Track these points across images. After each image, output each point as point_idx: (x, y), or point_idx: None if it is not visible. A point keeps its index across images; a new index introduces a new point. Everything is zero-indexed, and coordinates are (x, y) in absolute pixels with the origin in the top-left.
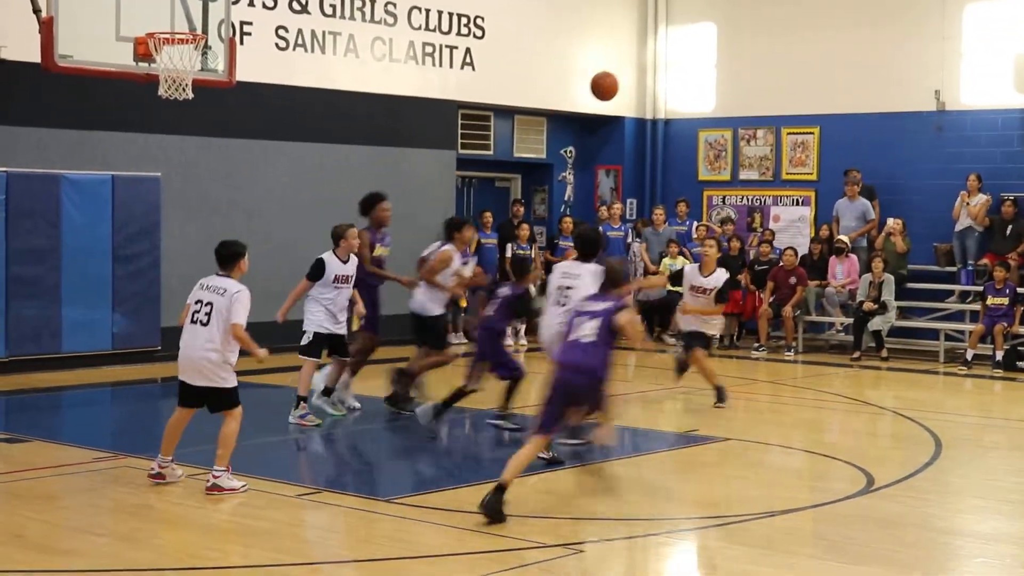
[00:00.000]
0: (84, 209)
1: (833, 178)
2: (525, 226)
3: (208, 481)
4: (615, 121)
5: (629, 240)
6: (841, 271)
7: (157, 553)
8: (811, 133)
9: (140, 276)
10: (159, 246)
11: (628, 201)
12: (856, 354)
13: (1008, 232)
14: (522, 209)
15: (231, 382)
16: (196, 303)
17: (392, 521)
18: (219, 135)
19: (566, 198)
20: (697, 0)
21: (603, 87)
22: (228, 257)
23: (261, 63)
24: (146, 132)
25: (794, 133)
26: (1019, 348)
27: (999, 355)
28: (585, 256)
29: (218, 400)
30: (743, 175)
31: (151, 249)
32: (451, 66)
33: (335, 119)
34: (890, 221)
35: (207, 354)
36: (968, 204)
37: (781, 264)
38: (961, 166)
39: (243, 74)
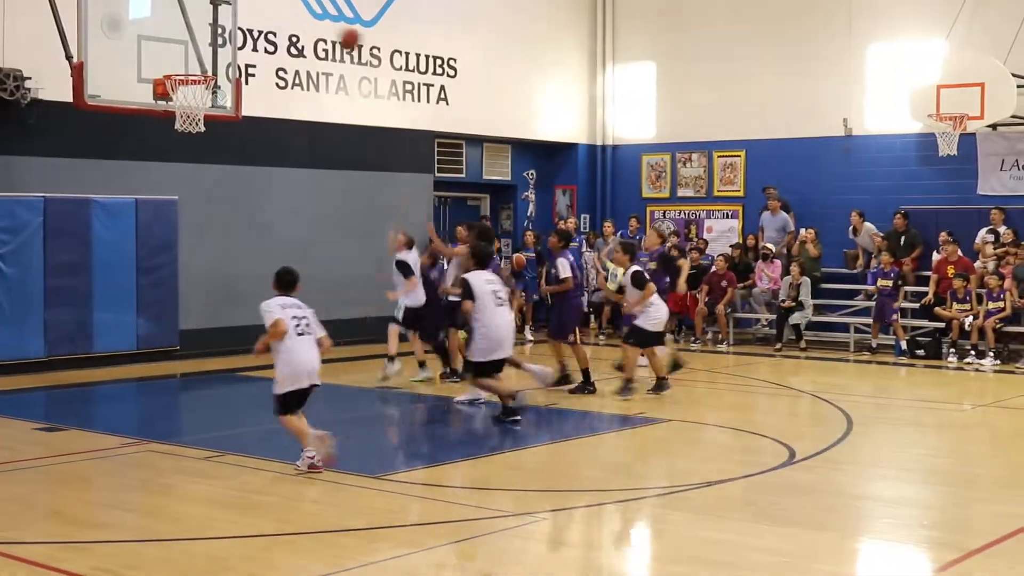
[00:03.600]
0: (112, 228)
1: (758, 194)
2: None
3: None
4: (570, 147)
5: (583, 250)
6: (767, 271)
7: (177, 525)
8: (738, 156)
9: (161, 285)
10: (177, 260)
11: (582, 216)
12: (778, 345)
13: (902, 241)
14: (489, 223)
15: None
16: (293, 318)
17: (382, 496)
18: (228, 163)
19: (528, 214)
20: (639, 42)
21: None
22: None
23: (264, 100)
24: (165, 161)
25: (724, 156)
26: (918, 339)
27: (903, 344)
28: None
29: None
30: (680, 192)
31: (170, 262)
32: (428, 101)
33: (328, 148)
34: (802, 231)
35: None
36: (859, 245)
37: (714, 270)
38: (866, 183)
39: (248, 110)
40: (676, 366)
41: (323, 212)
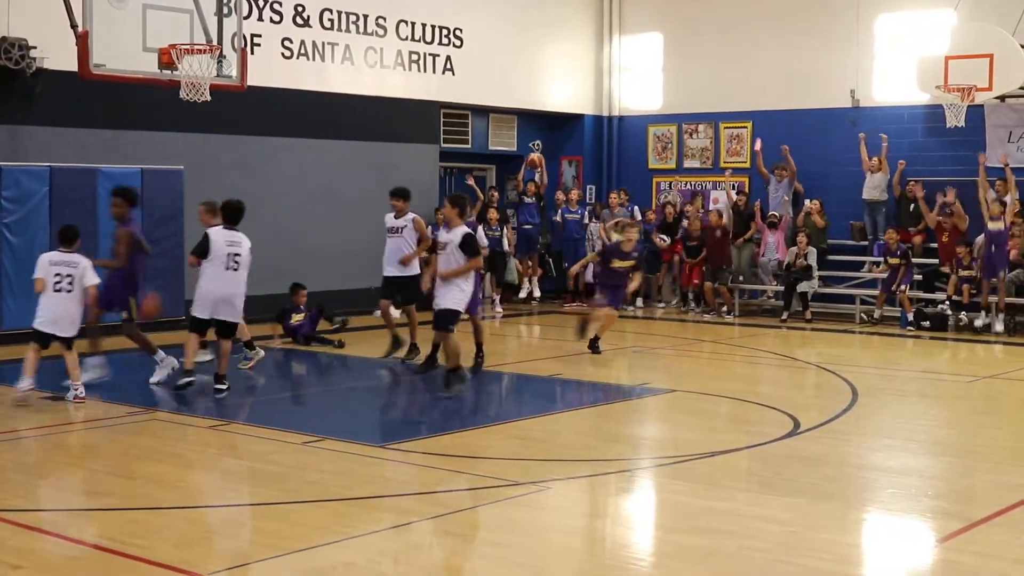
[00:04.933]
0: None
1: (764, 165)
2: (493, 211)
3: None
4: (576, 118)
5: (586, 221)
6: (773, 240)
7: (182, 493)
8: (744, 127)
9: (166, 255)
10: (183, 230)
11: (588, 187)
12: (785, 316)
13: (912, 209)
14: (496, 194)
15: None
16: (56, 276)
17: (387, 465)
18: (234, 132)
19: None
20: (646, 13)
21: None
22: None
23: (269, 70)
24: (171, 131)
25: (730, 127)
26: (923, 310)
27: (909, 316)
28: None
29: None
30: (687, 164)
31: (176, 232)
32: (434, 71)
33: (334, 118)
34: (807, 203)
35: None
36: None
37: (709, 223)
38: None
39: (254, 79)
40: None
41: (329, 182)
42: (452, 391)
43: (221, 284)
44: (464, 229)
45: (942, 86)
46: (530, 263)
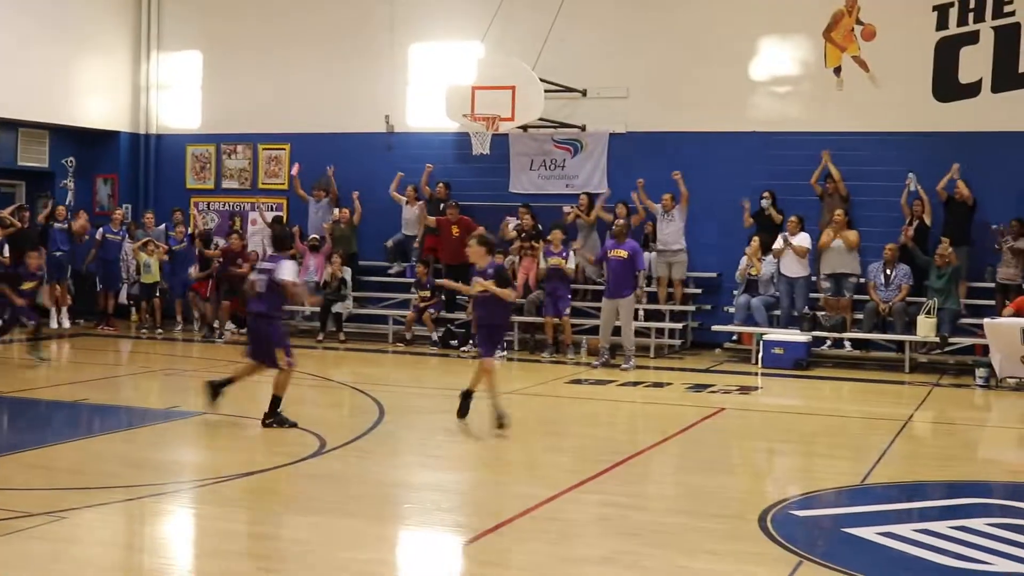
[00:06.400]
0: None
1: (303, 186)
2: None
3: None
4: (112, 135)
5: (122, 240)
6: (314, 263)
7: None
8: (283, 149)
9: None
10: None
11: (124, 206)
12: (320, 337)
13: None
14: (28, 214)
15: None
16: None
17: None
18: None
19: (68, 203)
20: (185, 30)
21: None
22: None
23: None
24: None
25: (269, 149)
26: (452, 329)
27: (435, 336)
28: None
29: None
30: (225, 184)
31: None
32: None
33: None
34: (336, 211)
35: None
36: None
37: (228, 246)
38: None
39: None
40: None
41: None
42: None
43: None
44: None
45: (469, 115)
46: (59, 290)
